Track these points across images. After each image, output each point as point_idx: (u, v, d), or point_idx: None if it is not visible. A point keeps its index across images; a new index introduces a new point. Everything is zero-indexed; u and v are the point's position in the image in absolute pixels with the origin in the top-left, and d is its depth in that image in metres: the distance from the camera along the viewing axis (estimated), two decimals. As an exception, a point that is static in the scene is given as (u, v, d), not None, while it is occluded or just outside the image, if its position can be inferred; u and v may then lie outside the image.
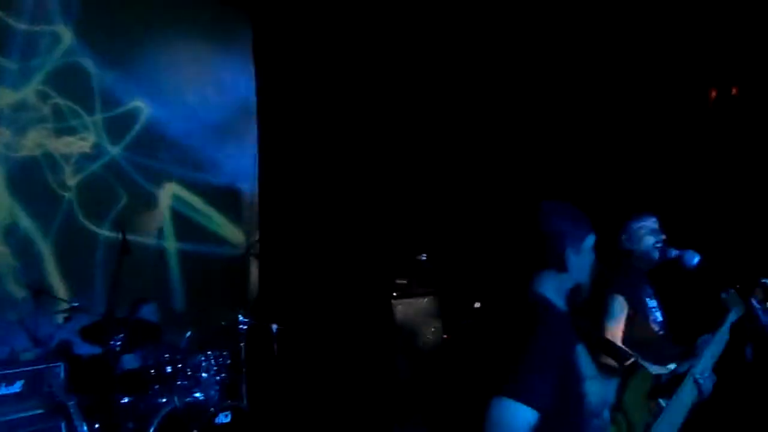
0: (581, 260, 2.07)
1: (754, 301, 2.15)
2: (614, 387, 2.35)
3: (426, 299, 6.10)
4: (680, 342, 3.43)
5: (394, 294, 6.00)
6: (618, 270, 3.39)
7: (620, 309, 3.24)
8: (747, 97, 5.68)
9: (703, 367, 2.88)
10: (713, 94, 6.13)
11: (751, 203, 4.97)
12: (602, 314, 3.26)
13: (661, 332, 3.35)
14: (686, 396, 2.85)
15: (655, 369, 2.87)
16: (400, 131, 6.61)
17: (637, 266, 3.40)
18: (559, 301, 2.07)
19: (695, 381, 2.88)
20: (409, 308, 6.01)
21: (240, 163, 7.18)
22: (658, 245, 3.33)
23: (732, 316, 2.95)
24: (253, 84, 7.27)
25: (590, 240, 2.09)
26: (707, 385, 2.90)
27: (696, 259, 3.06)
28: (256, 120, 7.28)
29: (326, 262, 6.57)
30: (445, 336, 6.12)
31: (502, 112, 6.21)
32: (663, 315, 3.36)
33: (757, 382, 3.13)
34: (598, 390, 1.99)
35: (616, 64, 5.69)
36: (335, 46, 6.73)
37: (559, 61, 5.92)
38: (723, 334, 2.93)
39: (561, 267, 2.04)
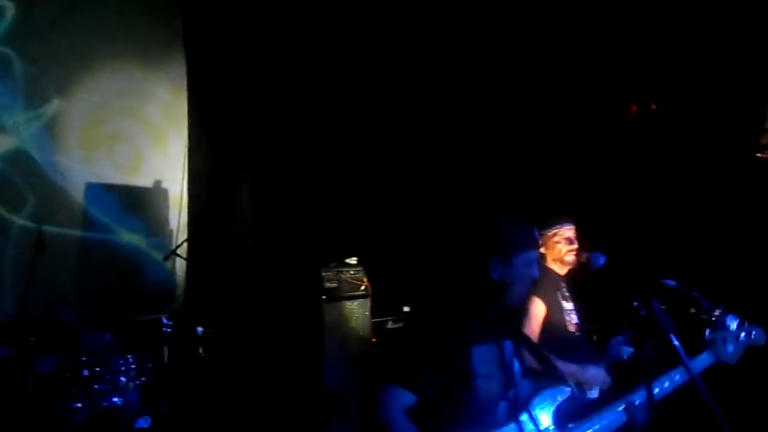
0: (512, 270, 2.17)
1: (655, 304, 2.23)
2: (527, 388, 2.39)
3: (356, 302, 6.11)
4: (594, 343, 3.57)
5: (324, 297, 5.98)
6: (537, 273, 3.49)
7: (538, 311, 3.34)
8: (663, 112, 6.00)
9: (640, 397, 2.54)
10: (634, 108, 6.44)
11: (660, 211, 5.29)
12: (521, 316, 3.35)
13: (576, 333, 3.46)
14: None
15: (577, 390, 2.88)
16: (331, 134, 6.61)
17: (553, 270, 3.51)
18: (480, 302, 2.15)
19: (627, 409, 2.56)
20: (338, 311, 6.00)
21: (167, 163, 7.02)
22: (573, 250, 3.45)
23: (706, 359, 2.67)
24: (184, 82, 7.11)
25: (528, 255, 2.20)
26: (640, 416, 2.53)
27: (602, 260, 3.17)
28: (186, 119, 7.12)
29: (255, 264, 6.48)
30: (374, 339, 6.14)
31: (429, 119, 6.32)
32: (579, 317, 3.47)
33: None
34: (489, 388, 2.10)
35: (535, 76, 5.90)
36: (269, 48, 6.67)
37: (481, 74, 6.08)
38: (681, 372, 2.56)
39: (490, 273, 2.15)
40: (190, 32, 6.98)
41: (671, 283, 2.56)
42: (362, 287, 6.17)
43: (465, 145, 6.17)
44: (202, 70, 6.96)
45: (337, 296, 6.05)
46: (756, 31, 5.52)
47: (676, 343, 2.20)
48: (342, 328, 6.00)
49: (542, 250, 3.50)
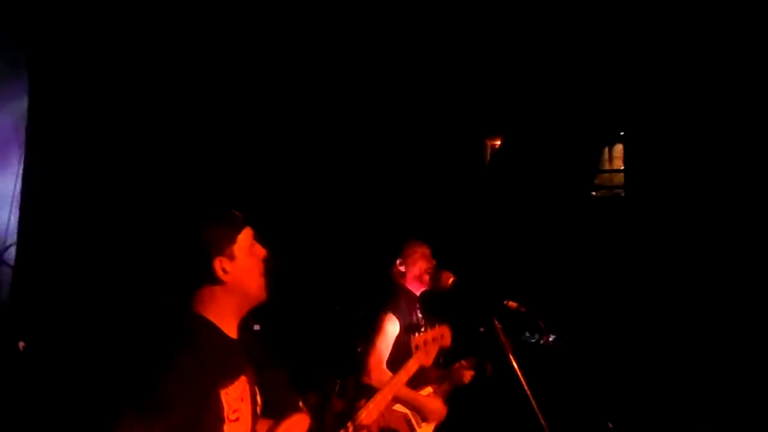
0: (240, 265, 1.83)
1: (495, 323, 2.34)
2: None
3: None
4: (444, 364, 3.63)
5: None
6: (391, 292, 3.52)
7: (392, 329, 3.34)
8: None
9: None
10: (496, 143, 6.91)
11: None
12: (374, 333, 3.33)
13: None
14: None
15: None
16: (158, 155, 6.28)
17: (409, 289, 3.56)
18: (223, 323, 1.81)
19: None
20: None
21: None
22: (429, 271, 3.52)
23: None
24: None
25: (243, 238, 1.85)
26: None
27: (450, 281, 3.27)
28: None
29: (88, 280, 5.97)
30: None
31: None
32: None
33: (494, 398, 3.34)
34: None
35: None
36: (114, 72, 6.18)
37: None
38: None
39: (213, 280, 1.79)
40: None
41: (513, 304, 2.69)
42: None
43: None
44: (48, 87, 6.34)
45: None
46: (593, 77, 6.09)
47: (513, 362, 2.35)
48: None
49: (402, 268, 3.57)
